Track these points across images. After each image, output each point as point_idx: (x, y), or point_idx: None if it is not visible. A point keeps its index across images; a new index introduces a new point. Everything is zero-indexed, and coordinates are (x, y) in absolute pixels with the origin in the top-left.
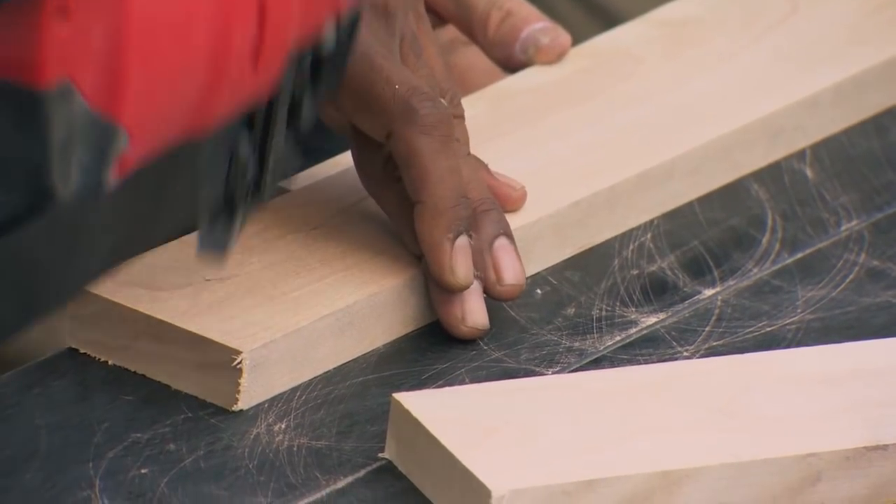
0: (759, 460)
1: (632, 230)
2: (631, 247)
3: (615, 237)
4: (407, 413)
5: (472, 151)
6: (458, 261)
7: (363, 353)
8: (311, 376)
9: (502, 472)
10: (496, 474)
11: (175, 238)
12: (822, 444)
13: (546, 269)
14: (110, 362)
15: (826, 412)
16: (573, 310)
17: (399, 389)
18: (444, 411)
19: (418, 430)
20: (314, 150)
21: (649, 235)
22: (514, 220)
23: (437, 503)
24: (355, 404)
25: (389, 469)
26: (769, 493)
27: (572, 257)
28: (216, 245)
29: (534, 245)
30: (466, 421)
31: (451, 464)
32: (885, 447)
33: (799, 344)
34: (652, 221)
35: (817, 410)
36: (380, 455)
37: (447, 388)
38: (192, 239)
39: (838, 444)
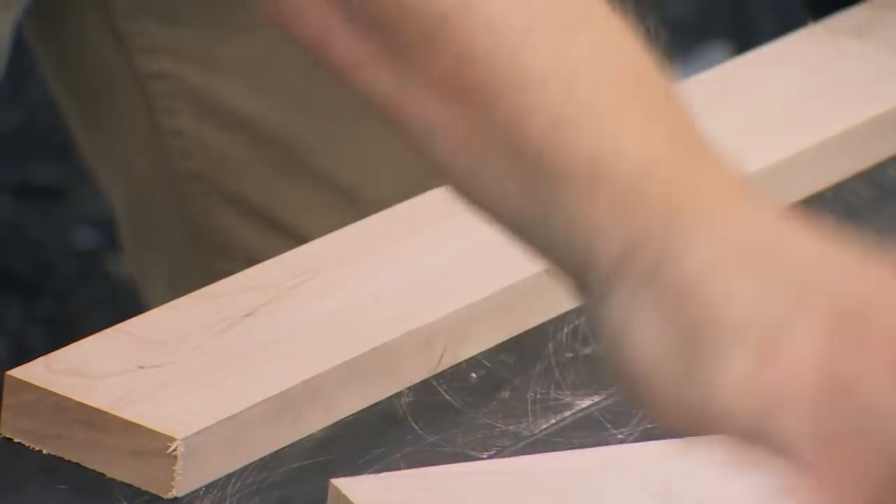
0: None
1: (566, 313)
2: (565, 329)
3: (549, 320)
4: (345, 499)
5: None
6: None
7: (299, 438)
8: (247, 462)
9: None
10: None
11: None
12: None
13: (481, 353)
14: (45, 451)
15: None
16: (508, 393)
17: (335, 475)
18: (383, 496)
19: None
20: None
21: (583, 319)
22: (451, 304)
23: None
24: (291, 490)
25: None
26: None
27: (507, 341)
28: None
29: (469, 328)
30: None
31: None
32: None
33: None
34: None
35: (754, 495)
36: None
37: (385, 474)
38: (126, 327)
39: None
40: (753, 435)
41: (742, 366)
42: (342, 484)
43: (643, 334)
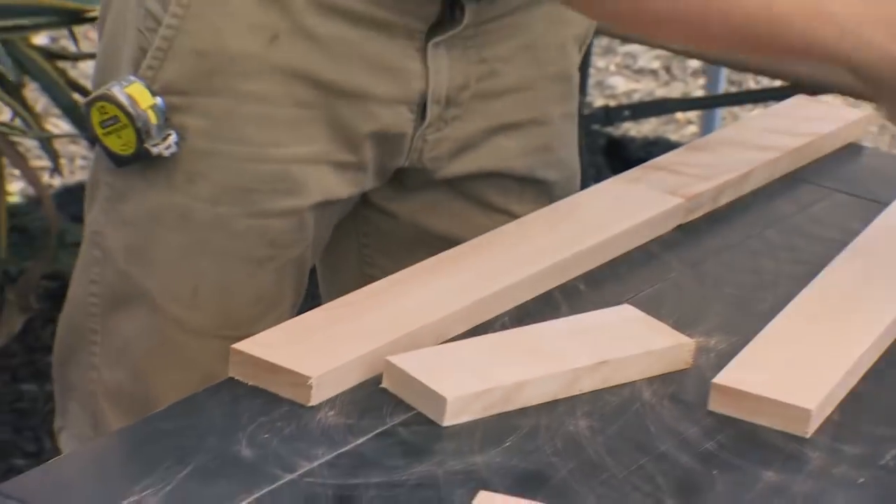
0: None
1: None
2: None
3: None
4: (398, 369)
5: None
6: None
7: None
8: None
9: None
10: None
11: None
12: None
13: None
14: (250, 383)
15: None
16: None
17: None
18: (425, 363)
19: None
20: None
21: None
22: None
23: None
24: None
25: None
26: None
27: None
28: None
29: None
30: None
31: None
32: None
33: None
34: None
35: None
36: None
37: (424, 350)
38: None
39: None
40: None
41: None
42: (396, 360)
43: None
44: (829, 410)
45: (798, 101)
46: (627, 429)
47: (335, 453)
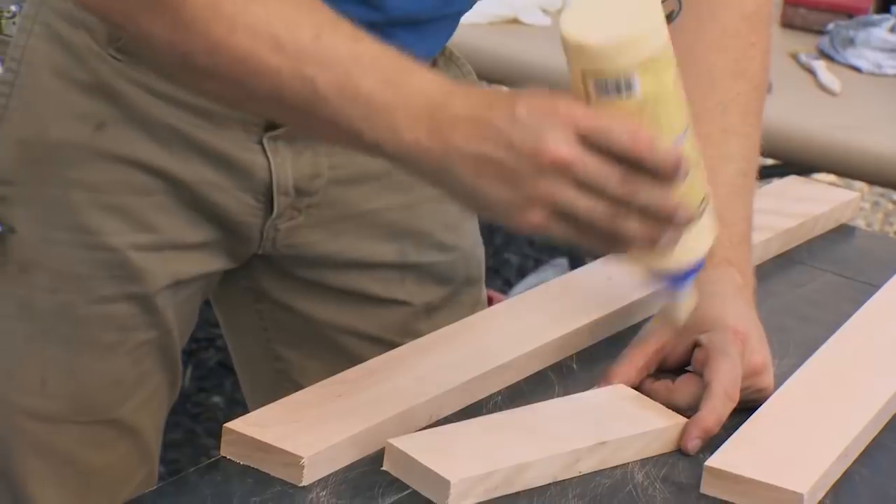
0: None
1: None
2: None
3: None
4: (400, 452)
5: None
6: None
7: None
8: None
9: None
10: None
11: None
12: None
13: None
14: (241, 462)
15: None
16: None
17: None
18: (427, 445)
19: None
20: None
21: None
22: None
23: None
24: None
25: None
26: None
27: None
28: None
29: None
30: None
31: None
32: (604, 442)
33: None
34: None
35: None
36: None
37: (425, 431)
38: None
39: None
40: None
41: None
42: (397, 441)
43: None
44: (820, 495)
45: (790, 182)
46: None
47: None
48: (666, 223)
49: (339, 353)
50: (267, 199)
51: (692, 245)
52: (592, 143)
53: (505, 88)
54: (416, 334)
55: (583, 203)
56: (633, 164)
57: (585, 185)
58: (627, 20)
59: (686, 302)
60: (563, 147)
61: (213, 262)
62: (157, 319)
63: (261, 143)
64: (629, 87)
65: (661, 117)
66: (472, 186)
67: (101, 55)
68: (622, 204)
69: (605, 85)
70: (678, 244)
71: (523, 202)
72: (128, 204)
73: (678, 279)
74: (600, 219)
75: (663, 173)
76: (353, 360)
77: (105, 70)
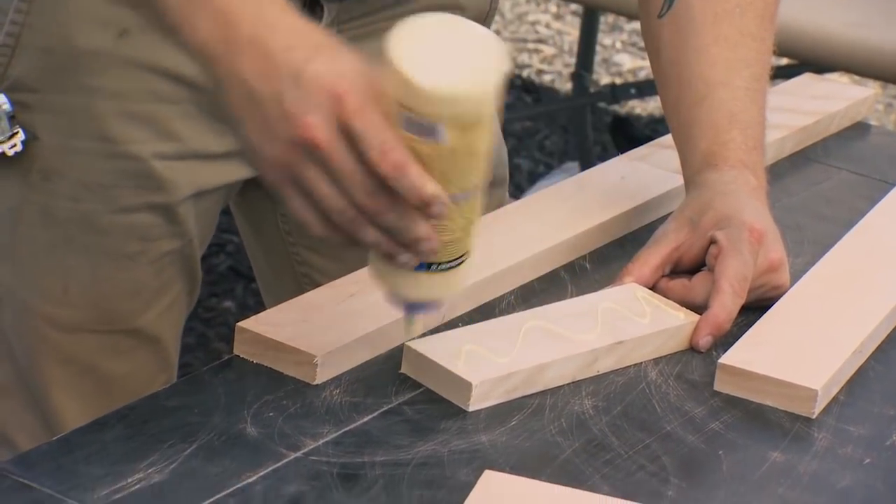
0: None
1: None
2: None
3: None
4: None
5: None
6: None
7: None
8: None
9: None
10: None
11: None
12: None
13: None
14: (255, 361)
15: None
16: None
17: None
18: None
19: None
20: None
21: None
22: None
23: None
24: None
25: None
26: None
27: None
28: None
29: None
30: None
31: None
32: (622, 342)
33: None
34: None
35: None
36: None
37: (442, 333)
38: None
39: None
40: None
41: None
42: (415, 344)
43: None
44: (835, 391)
45: (805, 80)
46: (633, 408)
47: (340, 431)
48: (406, 249)
49: (362, 254)
50: None
51: (435, 285)
52: (350, 140)
53: None
54: None
55: (324, 190)
56: (384, 182)
57: (333, 175)
58: (459, 67)
59: (413, 326)
60: (319, 130)
61: (237, 172)
62: (180, 229)
63: None
64: (432, 132)
65: (453, 170)
66: (234, 114)
67: None
68: (366, 213)
69: (411, 120)
70: (424, 277)
71: (271, 159)
72: (152, 112)
73: (411, 307)
74: (340, 214)
75: (411, 202)
76: None
77: None
